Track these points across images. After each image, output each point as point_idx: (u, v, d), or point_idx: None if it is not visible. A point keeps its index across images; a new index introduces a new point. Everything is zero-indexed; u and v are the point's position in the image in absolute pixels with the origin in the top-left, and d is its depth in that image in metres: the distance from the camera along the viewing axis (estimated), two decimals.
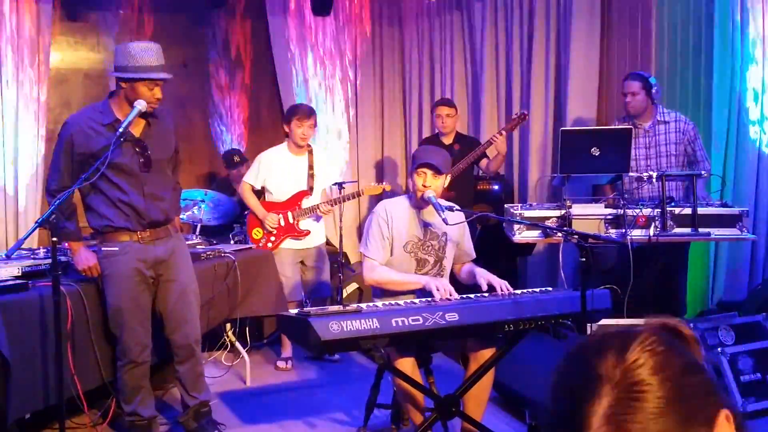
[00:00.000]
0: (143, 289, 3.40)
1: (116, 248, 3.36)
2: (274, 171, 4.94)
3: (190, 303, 3.54)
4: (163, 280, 3.47)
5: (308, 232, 4.95)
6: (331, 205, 4.94)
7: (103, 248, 3.39)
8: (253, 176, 4.97)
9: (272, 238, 4.94)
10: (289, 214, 4.92)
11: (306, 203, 4.94)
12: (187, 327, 3.52)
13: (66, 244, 3.48)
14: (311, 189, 4.96)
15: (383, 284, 3.47)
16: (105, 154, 3.11)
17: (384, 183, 5.23)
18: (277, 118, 7.10)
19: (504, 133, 5.13)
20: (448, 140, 5.45)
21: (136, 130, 3.34)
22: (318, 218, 5.02)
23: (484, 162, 5.34)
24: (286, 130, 4.97)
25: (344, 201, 5.07)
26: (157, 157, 3.38)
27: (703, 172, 4.30)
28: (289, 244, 4.97)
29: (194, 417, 3.62)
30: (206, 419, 3.67)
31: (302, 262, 5.06)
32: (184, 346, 3.54)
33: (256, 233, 4.97)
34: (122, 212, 3.33)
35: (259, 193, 5.10)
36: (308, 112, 4.91)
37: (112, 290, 3.37)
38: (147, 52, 3.23)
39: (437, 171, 3.43)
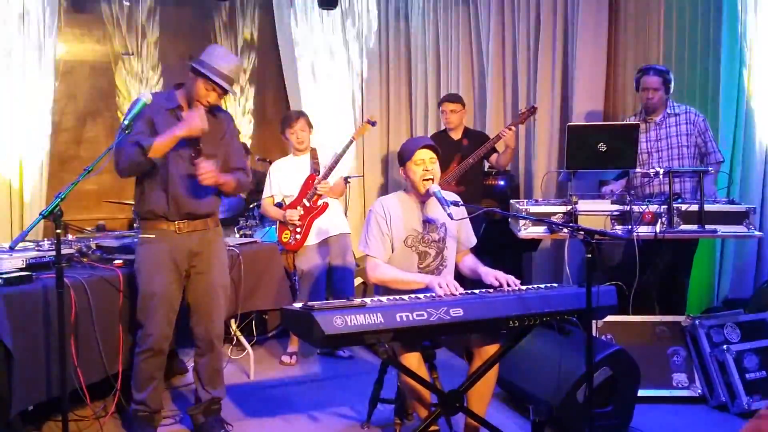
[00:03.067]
0: (174, 279, 3.44)
1: (153, 235, 3.43)
2: (285, 176, 5.02)
3: (217, 298, 3.57)
4: (194, 272, 3.51)
5: (326, 204, 4.95)
6: (324, 177, 4.92)
7: (141, 235, 3.47)
8: (269, 189, 5.06)
9: (298, 230, 4.95)
10: (304, 200, 4.95)
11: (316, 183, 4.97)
12: (210, 322, 3.56)
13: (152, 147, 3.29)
14: (317, 171, 4.97)
15: (387, 283, 3.45)
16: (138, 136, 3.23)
17: (366, 119, 5.32)
18: (283, 112, 7.10)
19: (513, 127, 5.11)
20: (456, 135, 5.44)
21: None
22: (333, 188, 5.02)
23: (494, 157, 5.32)
24: (285, 140, 5.11)
25: (341, 156, 4.99)
26: (207, 152, 3.43)
27: (710, 169, 4.28)
28: (312, 238, 4.97)
29: (203, 412, 3.63)
30: (215, 416, 3.66)
31: (327, 258, 5.04)
32: (205, 339, 3.57)
33: (285, 236, 5.01)
34: (165, 199, 3.40)
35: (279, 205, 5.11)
36: (295, 116, 5.02)
37: (143, 277, 3.42)
38: (224, 58, 3.39)
39: (435, 152, 3.46)
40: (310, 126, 5.07)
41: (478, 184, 5.50)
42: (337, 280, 5.06)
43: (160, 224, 3.43)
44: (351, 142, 5.11)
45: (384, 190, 7.05)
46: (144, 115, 3.33)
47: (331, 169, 4.93)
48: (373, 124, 5.30)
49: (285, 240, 5.00)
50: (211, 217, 3.57)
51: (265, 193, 5.08)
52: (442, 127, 5.68)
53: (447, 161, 5.24)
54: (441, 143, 5.47)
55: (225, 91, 3.40)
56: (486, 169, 5.69)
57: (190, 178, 3.39)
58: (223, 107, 3.64)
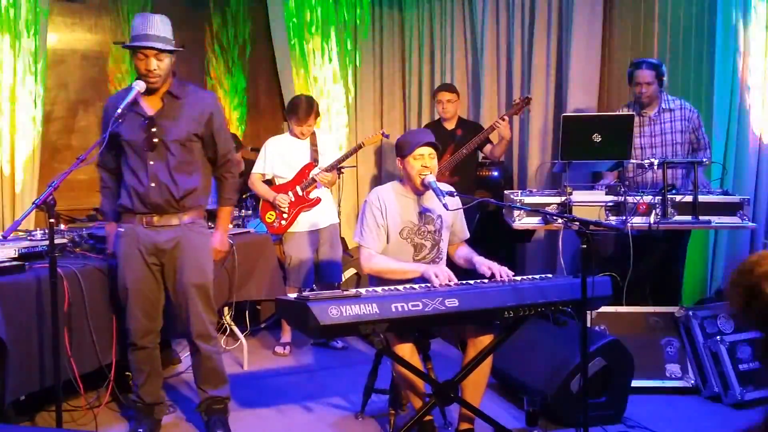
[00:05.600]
0: (147, 273, 3.34)
1: (123, 229, 3.36)
2: (279, 156, 4.94)
3: (191, 298, 3.38)
4: (167, 270, 3.38)
5: (319, 199, 4.92)
6: (329, 170, 4.89)
7: (118, 228, 3.41)
8: (261, 165, 4.98)
9: (285, 216, 4.91)
10: (298, 188, 4.91)
11: (313, 173, 4.93)
12: (187, 322, 3.41)
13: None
14: (316, 161, 4.94)
15: (381, 273, 3.44)
16: (103, 135, 3.10)
17: (381, 131, 5.26)
18: (276, 102, 7.08)
19: (507, 118, 5.10)
20: (450, 125, 5.42)
21: (152, 109, 3.29)
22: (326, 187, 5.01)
23: (488, 148, 5.31)
24: (288, 123, 4.98)
25: (349, 157, 5.03)
26: (166, 138, 3.28)
27: (704, 160, 4.28)
28: (302, 226, 4.94)
29: (206, 410, 3.52)
30: (217, 416, 3.52)
31: (316, 246, 5.02)
32: (189, 340, 3.46)
33: (269, 217, 4.96)
34: (129, 192, 3.32)
35: (269, 183, 5.07)
36: (307, 112, 4.84)
37: (119, 270, 3.37)
38: (139, 22, 3.20)
39: (436, 149, 3.45)
40: (318, 116, 5.01)
41: (472, 174, 5.49)
42: (325, 269, 5.06)
43: (130, 217, 3.34)
44: (360, 147, 5.08)
45: (377, 180, 7.04)
46: (102, 120, 3.32)
47: (334, 166, 4.91)
48: (386, 136, 5.28)
49: (269, 221, 4.96)
50: (186, 212, 3.37)
51: (257, 169, 4.99)
52: (436, 117, 5.67)
53: (440, 151, 5.24)
54: (435, 133, 5.43)
55: (158, 51, 3.17)
56: (480, 160, 5.69)
57: (144, 169, 3.28)
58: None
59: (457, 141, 5.27)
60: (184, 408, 3.90)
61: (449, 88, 5.51)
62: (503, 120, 5.07)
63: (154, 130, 3.27)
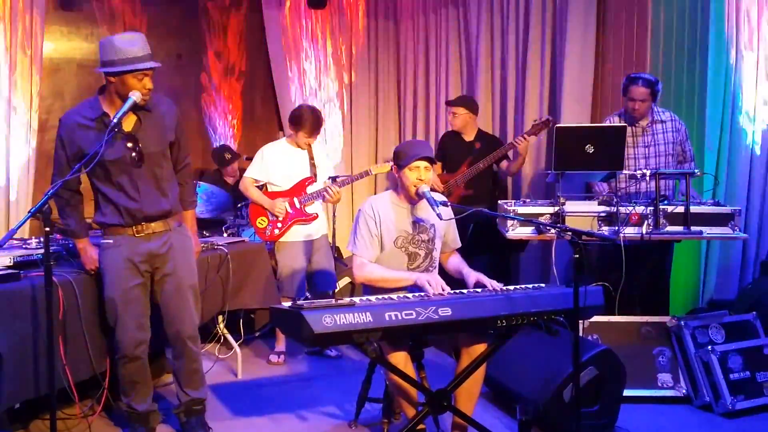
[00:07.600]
0: (136, 283, 3.36)
1: (111, 240, 3.36)
2: (277, 164, 4.91)
3: (186, 299, 3.47)
4: (159, 273, 3.42)
5: (316, 216, 4.92)
6: (339, 187, 4.88)
7: (101, 240, 3.40)
8: (256, 171, 4.93)
9: (279, 225, 4.88)
10: (295, 199, 4.90)
11: (311, 189, 4.92)
12: (180, 323, 3.47)
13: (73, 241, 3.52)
14: (315, 176, 4.94)
15: (374, 282, 3.46)
16: (93, 149, 3.08)
17: (391, 163, 5.23)
18: (272, 111, 7.10)
19: (527, 137, 5.11)
20: (469, 137, 5.43)
21: (127, 125, 3.29)
22: (323, 200, 5.00)
23: (504, 164, 5.32)
24: (291, 131, 4.94)
25: (354, 181, 5.05)
26: (150, 151, 3.32)
27: (696, 171, 4.32)
28: (296, 236, 4.92)
29: (186, 412, 3.59)
30: (197, 418, 3.60)
31: (309, 255, 5.01)
32: (178, 341, 3.49)
33: (261, 222, 4.91)
34: (116, 209, 3.32)
35: (260, 187, 5.06)
36: (316, 126, 4.85)
37: (106, 282, 3.36)
38: (132, 43, 3.17)
39: (432, 162, 3.47)
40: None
41: (487, 186, 5.49)
42: (319, 278, 5.05)
43: (117, 230, 3.35)
44: (367, 173, 5.07)
45: (372, 190, 7.06)
46: (62, 137, 3.30)
47: (342, 184, 4.93)
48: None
49: (260, 226, 4.91)
50: (172, 217, 3.44)
51: (251, 173, 4.94)
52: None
53: (458, 163, 5.27)
54: (453, 144, 5.46)
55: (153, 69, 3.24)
56: (496, 173, 5.68)
57: (134, 185, 3.30)
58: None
59: (475, 154, 5.27)
60: (172, 419, 3.88)
61: (454, 102, 5.52)
62: (524, 138, 5.08)
63: (137, 146, 3.29)
